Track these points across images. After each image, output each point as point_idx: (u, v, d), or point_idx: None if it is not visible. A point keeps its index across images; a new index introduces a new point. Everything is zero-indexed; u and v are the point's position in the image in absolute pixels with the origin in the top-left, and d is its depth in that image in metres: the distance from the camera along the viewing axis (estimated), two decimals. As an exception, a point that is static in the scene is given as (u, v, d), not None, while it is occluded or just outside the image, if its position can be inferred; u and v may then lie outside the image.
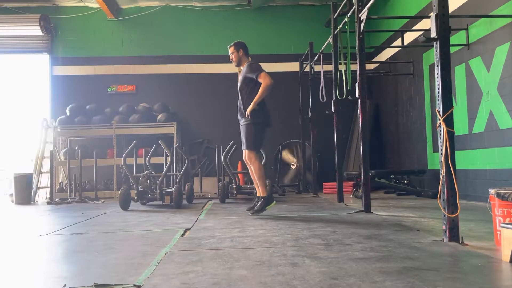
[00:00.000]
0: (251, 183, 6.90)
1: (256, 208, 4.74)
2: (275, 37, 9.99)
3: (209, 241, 3.28)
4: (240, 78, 4.97)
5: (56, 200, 7.84)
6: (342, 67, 5.94)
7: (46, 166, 8.71)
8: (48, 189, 8.43)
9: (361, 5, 5.21)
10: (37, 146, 8.80)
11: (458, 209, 2.96)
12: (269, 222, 4.34)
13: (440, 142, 3.05)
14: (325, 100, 7.22)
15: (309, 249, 2.89)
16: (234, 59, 5.01)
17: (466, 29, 6.15)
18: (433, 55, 3.16)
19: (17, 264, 2.83)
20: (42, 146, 8.77)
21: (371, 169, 6.18)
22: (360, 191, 5.61)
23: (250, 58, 5.06)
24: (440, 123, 3.03)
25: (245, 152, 4.85)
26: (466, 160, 6.17)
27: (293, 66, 9.78)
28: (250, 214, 4.75)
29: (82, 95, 9.55)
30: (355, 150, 9.28)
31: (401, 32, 6.99)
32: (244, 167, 7.22)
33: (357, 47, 5.13)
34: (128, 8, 9.91)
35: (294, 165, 9.38)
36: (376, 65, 9.56)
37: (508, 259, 2.40)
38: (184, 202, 6.71)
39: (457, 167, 3.04)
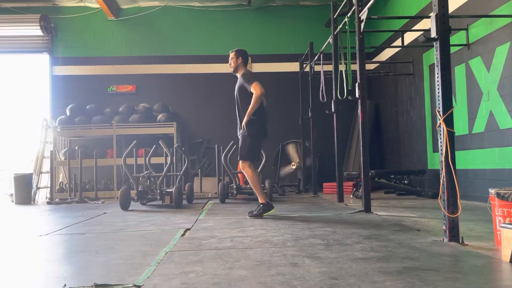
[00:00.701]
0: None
1: (254, 213, 4.78)
2: (275, 37, 9.99)
3: (209, 241, 3.28)
4: (236, 87, 4.99)
5: (56, 200, 7.84)
6: (342, 67, 5.94)
7: (46, 166, 8.71)
8: (48, 189, 8.43)
9: (361, 5, 5.21)
10: (37, 146, 8.80)
11: (458, 209, 2.96)
12: (269, 222, 4.34)
13: (440, 142, 3.05)
14: (325, 100, 7.22)
15: (309, 249, 2.89)
16: (232, 65, 5.02)
17: (466, 29, 6.15)
18: (433, 55, 3.16)
19: (17, 264, 2.83)
20: (42, 146, 8.77)
21: (371, 169, 6.18)
22: (360, 191, 5.61)
23: (246, 68, 5.04)
24: (440, 123, 3.03)
25: (239, 163, 4.94)
26: (466, 160, 6.17)
27: (293, 66, 9.78)
28: (248, 217, 4.78)
29: (82, 95, 9.56)
30: (355, 150, 9.28)
31: (401, 32, 6.99)
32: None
33: (357, 47, 5.13)
34: (128, 8, 9.91)
35: (294, 165, 9.38)
36: (376, 65, 9.56)
37: (508, 259, 2.40)
38: (184, 202, 6.71)
39: (457, 167, 3.04)
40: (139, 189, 6.38)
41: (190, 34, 9.94)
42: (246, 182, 7.68)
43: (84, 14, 9.82)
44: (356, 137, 9.26)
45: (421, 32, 6.63)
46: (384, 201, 6.35)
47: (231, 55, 5.03)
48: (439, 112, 3.05)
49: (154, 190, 6.50)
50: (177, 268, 2.45)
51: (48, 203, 7.67)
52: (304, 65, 9.06)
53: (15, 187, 7.99)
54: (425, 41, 3.34)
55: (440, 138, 3.05)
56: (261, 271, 2.32)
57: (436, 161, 7.13)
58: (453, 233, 2.96)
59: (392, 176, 7.71)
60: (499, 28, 5.48)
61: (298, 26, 9.99)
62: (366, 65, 5.91)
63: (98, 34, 9.85)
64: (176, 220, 4.67)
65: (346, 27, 5.75)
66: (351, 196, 7.36)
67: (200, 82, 9.79)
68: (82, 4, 9.74)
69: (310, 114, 8.34)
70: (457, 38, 6.32)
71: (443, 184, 2.99)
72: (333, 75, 6.36)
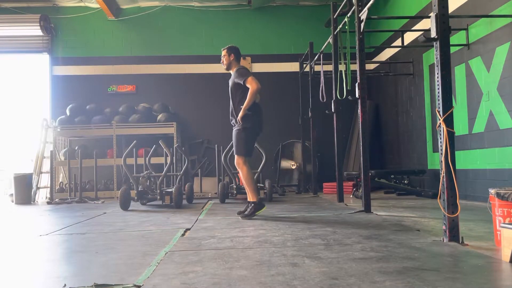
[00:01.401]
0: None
1: (246, 213, 4.72)
2: (275, 37, 9.99)
3: (209, 241, 3.28)
4: (230, 83, 4.97)
5: (56, 200, 7.84)
6: (342, 67, 5.94)
7: (46, 166, 8.71)
8: (48, 189, 8.43)
9: (361, 5, 5.21)
10: (37, 146, 8.80)
11: (458, 209, 2.96)
12: (269, 222, 4.34)
13: (440, 142, 3.05)
14: (325, 100, 7.22)
15: (309, 249, 2.89)
16: (224, 62, 5.01)
17: (466, 29, 6.15)
18: (433, 55, 3.16)
19: (18, 264, 2.83)
20: (42, 146, 8.77)
21: (371, 169, 6.18)
22: (360, 191, 5.61)
23: (240, 64, 5.04)
24: (440, 123, 3.03)
25: (235, 157, 4.88)
26: (466, 160, 6.17)
27: (293, 66, 9.78)
28: (240, 218, 4.72)
29: (82, 95, 9.55)
30: (355, 150, 9.28)
31: (401, 32, 7.00)
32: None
33: (357, 47, 5.13)
34: (128, 8, 9.91)
35: (294, 165, 9.38)
36: (376, 65, 9.56)
37: (508, 259, 2.40)
38: (184, 202, 6.71)
39: (457, 167, 3.04)
40: (139, 189, 6.38)
41: (190, 34, 9.94)
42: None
43: (84, 14, 9.82)
44: (356, 137, 9.26)
45: (421, 32, 6.63)
46: (384, 201, 6.35)
47: (223, 52, 5.01)
48: (439, 112, 3.05)
49: (154, 190, 6.50)
50: (177, 268, 2.45)
51: (48, 203, 7.68)
52: (304, 65, 9.06)
53: (15, 187, 8.00)
54: (425, 41, 3.34)
55: (440, 138, 3.05)
56: (261, 271, 2.32)
57: (436, 161, 7.13)
58: (453, 233, 2.96)
59: (392, 176, 7.70)
60: (499, 28, 5.48)
61: (298, 26, 9.99)
62: (366, 65, 5.92)
63: (98, 34, 9.85)
64: (176, 220, 4.67)
65: (346, 27, 5.75)
66: (351, 196, 7.36)
67: (200, 82, 9.79)
68: (82, 4, 9.74)
69: (310, 114, 8.33)
70: (457, 38, 6.32)
71: (443, 184, 2.99)
72: (333, 75, 6.36)
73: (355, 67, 5.22)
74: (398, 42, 7.69)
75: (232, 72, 5.00)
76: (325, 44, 7.22)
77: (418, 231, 3.54)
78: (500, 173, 5.50)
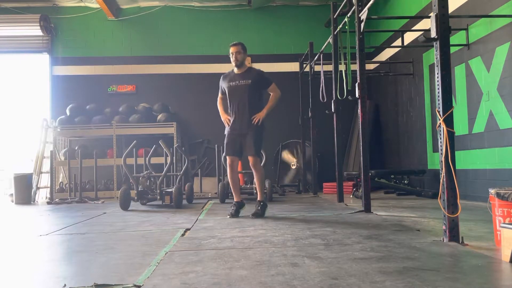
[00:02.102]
0: (251, 183, 6.93)
1: (259, 212, 4.80)
2: (275, 37, 9.99)
3: (209, 241, 3.28)
4: (244, 82, 4.88)
5: (56, 200, 7.84)
6: (342, 67, 5.94)
7: (46, 166, 8.71)
8: (48, 189, 8.43)
9: (361, 5, 5.20)
10: (37, 146, 8.80)
11: (458, 209, 2.96)
12: (269, 222, 4.34)
13: (440, 142, 3.05)
14: (325, 100, 7.22)
15: (309, 249, 2.89)
16: (238, 59, 4.93)
17: (466, 29, 6.15)
18: (433, 55, 3.16)
19: (18, 264, 2.83)
20: (42, 146, 8.77)
21: (371, 169, 6.18)
22: (360, 191, 5.61)
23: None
24: (440, 123, 3.03)
25: (253, 158, 4.85)
26: (466, 160, 6.17)
27: (293, 66, 9.78)
28: (250, 217, 4.75)
29: (82, 95, 9.55)
30: (355, 150, 9.28)
31: (401, 32, 7.00)
32: (245, 167, 7.22)
33: (357, 47, 5.13)
34: (128, 8, 9.91)
35: (294, 165, 9.38)
36: (376, 65, 9.56)
37: (508, 259, 2.40)
38: (184, 202, 6.71)
39: (457, 167, 3.04)
40: (139, 189, 6.38)
41: (190, 34, 9.94)
42: (247, 182, 7.69)
43: (84, 14, 9.82)
44: (356, 137, 9.26)
45: (421, 32, 6.63)
46: (384, 201, 6.35)
47: (236, 48, 4.92)
48: (439, 112, 3.05)
49: (154, 190, 6.49)
50: (177, 268, 2.45)
51: (48, 203, 7.67)
52: (304, 65, 9.06)
53: (15, 187, 7.99)
54: (425, 41, 3.34)
55: (440, 138, 3.05)
56: (261, 271, 2.32)
57: (436, 161, 7.13)
58: (453, 233, 2.95)
59: (392, 176, 7.70)
60: (499, 28, 5.48)
61: (298, 26, 9.99)
62: (366, 65, 5.92)
63: (98, 34, 9.85)
64: (176, 220, 4.67)
65: (346, 27, 5.75)
66: (351, 196, 7.36)
67: (200, 82, 9.79)
68: (82, 4, 9.74)
69: (310, 114, 8.33)
70: (457, 38, 6.32)
71: (443, 184, 2.99)
72: (333, 75, 6.36)
73: (355, 67, 5.22)
74: (398, 42, 7.69)
75: (241, 70, 4.95)
76: (325, 44, 7.22)
77: (418, 231, 3.54)
78: (500, 173, 5.50)
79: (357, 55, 5.12)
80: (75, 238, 3.75)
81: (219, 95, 5.20)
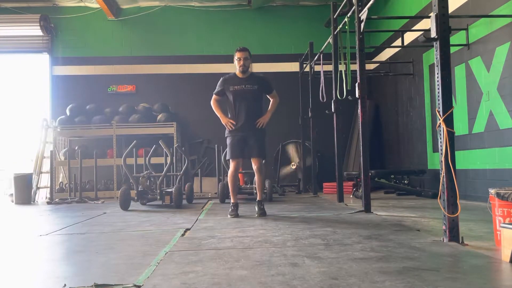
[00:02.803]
0: (251, 183, 6.94)
1: (264, 211, 4.92)
2: (275, 37, 9.99)
3: (209, 241, 3.28)
4: (250, 87, 4.93)
5: (56, 200, 7.84)
6: (342, 67, 5.93)
7: (46, 166, 8.70)
8: (48, 189, 8.42)
9: (361, 5, 5.20)
10: (37, 146, 8.79)
11: (458, 209, 2.96)
12: (269, 222, 4.34)
13: (440, 142, 3.05)
14: (325, 100, 7.22)
15: (309, 249, 2.89)
16: (246, 65, 4.93)
17: (466, 29, 6.15)
18: (433, 55, 3.16)
19: (18, 264, 2.83)
20: (42, 146, 8.76)
21: (371, 169, 6.18)
22: (360, 191, 5.61)
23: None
24: (440, 123, 3.03)
25: (258, 161, 4.94)
26: (466, 160, 6.17)
27: (293, 66, 9.77)
28: (258, 216, 4.87)
29: (82, 95, 9.55)
30: (355, 150, 9.28)
31: (401, 32, 6.99)
32: (245, 167, 7.21)
33: (357, 47, 5.13)
34: (128, 8, 9.91)
35: (294, 165, 9.38)
36: (376, 65, 9.56)
37: (508, 259, 2.40)
38: (184, 202, 6.71)
39: (457, 167, 3.04)
40: (139, 189, 6.38)
41: (190, 34, 9.94)
42: (246, 182, 7.69)
43: (84, 14, 9.82)
44: (356, 137, 9.26)
45: (421, 32, 6.62)
46: (384, 201, 6.35)
47: (245, 54, 4.92)
48: (439, 112, 3.05)
49: (154, 190, 6.49)
50: (177, 268, 2.45)
51: (48, 203, 7.67)
52: (304, 65, 9.06)
53: (15, 187, 7.99)
54: (425, 41, 3.34)
55: (440, 138, 3.05)
56: (261, 271, 2.32)
57: (436, 161, 7.13)
58: (453, 233, 2.95)
59: (392, 176, 7.70)
60: (499, 28, 5.48)
61: (298, 26, 9.99)
62: (366, 65, 5.91)
63: (98, 34, 9.85)
64: (176, 220, 4.67)
65: (346, 27, 5.74)
66: (351, 196, 7.36)
67: (200, 82, 9.78)
68: (82, 4, 9.74)
69: (310, 114, 8.33)
70: (457, 38, 6.32)
71: (443, 184, 2.99)
72: (333, 75, 6.36)
73: (355, 67, 5.22)
74: (398, 42, 7.69)
75: (245, 75, 4.97)
76: (325, 44, 7.22)
77: (418, 231, 3.54)
78: (500, 173, 5.50)
79: (357, 55, 5.12)
80: (75, 238, 3.75)
81: (215, 96, 5.16)
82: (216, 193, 7.70)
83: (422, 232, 3.46)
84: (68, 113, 8.99)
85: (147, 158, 7.22)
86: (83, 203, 7.51)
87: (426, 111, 7.49)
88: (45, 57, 9.84)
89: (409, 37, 7.52)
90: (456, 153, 3.07)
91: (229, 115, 5.05)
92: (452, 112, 3.01)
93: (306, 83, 8.87)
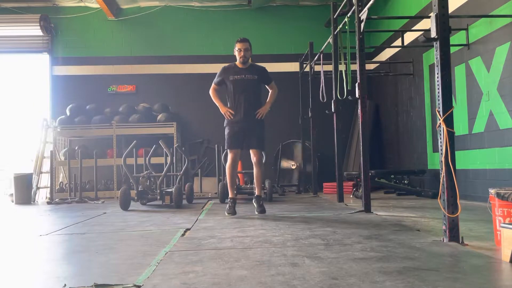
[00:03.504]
0: (251, 183, 6.92)
1: (263, 208, 4.88)
2: (275, 37, 9.99)
3: (209, 241, 3.28)
4: (251, 77, 4.93)
5: (56, 200, 7.84)
6: (342, 67, 5.94)
7: (46, 166, 8.70)
8: (48, 189, 8.43)
9: (361, 5, 5.20)
10: (37, 146, 8.80)
11: (458, 209, 2.96)
12: (269, 222, 4.34)
13: (440, 142, 3.05)
14: (325, 100, 7.22)
15: (309, 249, 2.89)
16: (246, 56, 4.95)
17: (466, 29, 6.15)
18: (433, 55, 3.16)
19: (18, 264, 2.83)
20: (42, 146, 8.76)
21: (371, 169, 6.18)
22: (360, 191, 5.61)
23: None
24: (440, 123, 3.03)
25: (258, 153, 4.89)
26: (466, 160, 6.17)
27: (293, 66, 9.77)
28: (257, 213, 4.84)
29: (82, 95, 9.55)
30: (355, 150, 9.28)
31: (401, 32, 6.99)
32: (245, 167, 7.22)
33: (357, 47, 5.13)
34: (128, 8, 9.91)
35: (294, 165, 9.38)
36: (376, 65, 9.56)
37: (508, 259, 2.40)
38: (184, 202, 6.71)
39: (457, 167, 3.04)
40: (139, 189, 6.38)
41: (190, 34, 9.94)
42: (246, 182, 7.69)
43: (84, 14, 9.82)
44: (356, 137, 9.26)
45: (421, 32, 6.63)
46: (384, 201, 6.35)
47: (246, 45, 4.94)
48: (439, 112, 3.05)
49: (154, 190, 6.49)
50: (177, 268, 2.45)
51: (48, 203, 7.67)
52: (304, 65, 9.06)
53: (15, 187, 7.99)
54: (425, 41, 3.34)
55: (440, 138, 3.05)
56: (261, 271, 2.32)
57: (436, 161, 7.13)
58: (453, 233, 2.95)
59: (392, 176, 7.70)
60: (499, 28, 5.48)
61: (298, 26, 9.98)
62: (366, 65, 5.91)
63: (98, 34, 9.85)
64: (176, 220, 4.67)
65: (346, 27, 5.75)
66: (351, 196, 7.36)
67: (200, 82, 9.76)
68: (82, 4, 9.74)
69: (310, 114, 8.33)
70: (457, 38, 6.32)
71: (443, 184, 2.99)
72: (333, 75, 6.36)
73: (355, 67, 5.22)
74: (398, 42, 7.69)
75: (246, 65, 4.98)
76: (325, 44, 7.22)
77: (418, 231, 3.54)
78: (500, 173, 5.50)
79: (357, 55, 5.12)
80: (75, 238, 3.75)
81: (214, 86, 5.15)
82: (216, 193, 7.70)
83: (422, 232, 3.46)
84: (68, 113, 8.99)
85: (147, 158, 7.22)
86: (83, 203, 7.51)
87: (426, 111, 7.49)
88: (45, 57, 9.84)
89: (409, 37, 7.52)
90: (456, 153, 3.07)
91: (228, 105, 5.01)
92: (452, 112, 3.01)
93: (306, 83, 8.87)
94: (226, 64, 5.15)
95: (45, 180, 8.82)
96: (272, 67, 9.71)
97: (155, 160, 7.80)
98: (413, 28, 7.27)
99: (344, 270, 2.30)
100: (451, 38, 3.62)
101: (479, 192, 5.88)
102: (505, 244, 2.46)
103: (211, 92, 5.17)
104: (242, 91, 4.92)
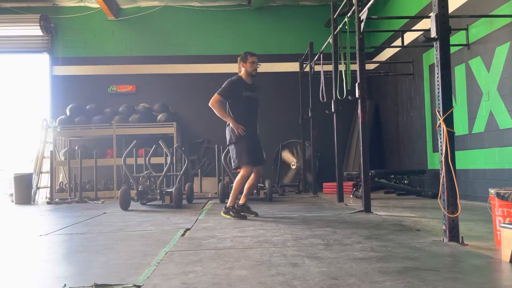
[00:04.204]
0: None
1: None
2: (275, 37, 9.99)
3: (209, 241, 3.28)
4: (257, 95, 4.99)
5: (56, 200, 7.84)
6: (342, 67, 5.94)
7: (46, 166, 8.70)
8: (48, 189, 8.43)
9: (361, 5, 5.21)
10: (37, 146, 8.80)
11: (458, 209, 2.96)
12: (269, 222, 4.34)
13: (440, 142, 3.05)
14: (325, 100, 7.22)
15: (309, 249, 2.89)
16: (257, 71, 4.94)
17: (466, 29, 6.15)
18: (433, 55, 3.16)
19: (17, 264, 2.83)
20: (42, 146, 8.76)
21: (371, 169, 6.18)
22: (360, 191, 5.61)
23: None
24: (440, 123, 3.03)
25: (262, 168, 4.95)
26: (466, 160, 6.17)
27: (293, 66, 9.77)
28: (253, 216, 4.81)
29: (82, 95, 9.55)
30: (355, 150, 9.28)
31: (401, 32, 6.99)
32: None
33: (357, 47, 5.13)
34: (128, 8, 9.91)
35: (294, 165, 9.38)
36: (376, 65, 9.56)
37: (508, 259, 2.40)
38: (184, 202, 6.71)
39: (457, 167, 3.04)
40: (139, 189, 6.38)
41: (190, 34, 9.94)
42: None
43: (84, 14, 9.82)
44: (356, 137, 9.26)
45: (421, 32, 6.63)
46: (384, 201, 6.35)
47: (255, 58, 4.90)
48: (439, 112, 3.05)
49: (154, 190, 6.49)
50: (177, 268, 2.45)
51: (48, 203, 7.67)
52: (304, 65, 9.06)
53: (15, 187, 7.99)
54: (425, 41, 3.34)
55: (440, 138, 3.05)
56: (261, 271, 2.32)
57: (436, 161, 7.13)
58: (453, 233, 2.96)
59: (392, 176, 7.70)
60: (499, 28, 5.48)
61: (298, 26, 9.99)
62: (366, 65, 5.91)
63: (98, 34, 9.85)
64: (176, 220, 4.67)
65: (346, 27, 5.75)
66: (351, 196, 7.36)
67: (200, 82, 9.79)
68: (82, 4, 9.74)
69: (310, 114, 8.33)
70: (457, 38, 6.32)
71: (443, 184, 2.99)
72: (333, 75, 6.36)
73: (355, 67, 5.22)
74: (398, 42, 7.69)
75: (252, 81, 4.94)
76: (325, 44, 7.22)
77: (418, 231, 3.54)
78: (500, 173, 5.50)
79: (357, 55, 5.12)
80: (75, 238, 3.75)
81: (220, 98, 4.89)
82: (216, 193, 7.70)
83: (422, 232, 3.46)
84: (68, 113, 8.99)
85: (147, 158, 7.22)
86: (83, 203, 7.51)
87: (426, 111, 7.48)
88: (45, 57, 9.84)
89: (409, 37, 7.52)
90: (456, 153, 3.07)
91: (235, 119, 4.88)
92: (452, 112, 3.01)
93: (306, 83, 8.86)
94: (233, 78, 4.96)
95: (45, 180, 8.82)
96: (272, 67, 9.78)
97: (155, 160, 7.80)
98: (413, 28, 7.28)
99: (344, 270, 2.30)
100: (451, 38, 3.62)
101: (479, 192, 5.88)
102: (505, 244, 2.46)
103: (215, 104, 4.89)
104: (253, 108, 4.94)
